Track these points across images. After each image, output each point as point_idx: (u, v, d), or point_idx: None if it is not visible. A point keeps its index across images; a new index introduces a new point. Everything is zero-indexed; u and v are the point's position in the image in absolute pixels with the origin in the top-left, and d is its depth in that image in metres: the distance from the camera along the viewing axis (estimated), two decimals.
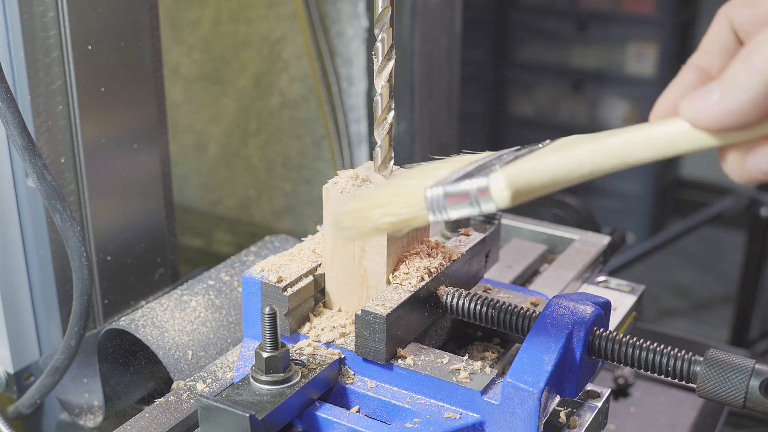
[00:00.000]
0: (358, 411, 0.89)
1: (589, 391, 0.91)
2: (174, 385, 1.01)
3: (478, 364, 0.88)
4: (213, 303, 1.14)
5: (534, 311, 0.90)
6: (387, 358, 0.88)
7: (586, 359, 0.86)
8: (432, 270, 0.94)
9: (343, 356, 0.91)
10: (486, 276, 1.08)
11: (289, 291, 0.92)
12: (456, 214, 0.72)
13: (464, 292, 0.94)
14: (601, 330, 0.86)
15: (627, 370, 1.44)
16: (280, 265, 0.95)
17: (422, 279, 0.92)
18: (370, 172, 0.96)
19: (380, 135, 0.94)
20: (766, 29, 0.59)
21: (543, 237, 1.35)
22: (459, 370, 0.87)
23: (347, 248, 0.93)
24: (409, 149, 1.86)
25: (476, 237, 1.03)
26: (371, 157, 0.96)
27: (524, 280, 1.26)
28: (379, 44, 0.92)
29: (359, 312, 0.87)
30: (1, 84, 0.95)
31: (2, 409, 1.23)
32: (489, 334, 1.01)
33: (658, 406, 1.41)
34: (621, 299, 1.20)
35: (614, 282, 1.26)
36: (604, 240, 1.33)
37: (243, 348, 0.98)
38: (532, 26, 4.13)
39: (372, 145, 0.95)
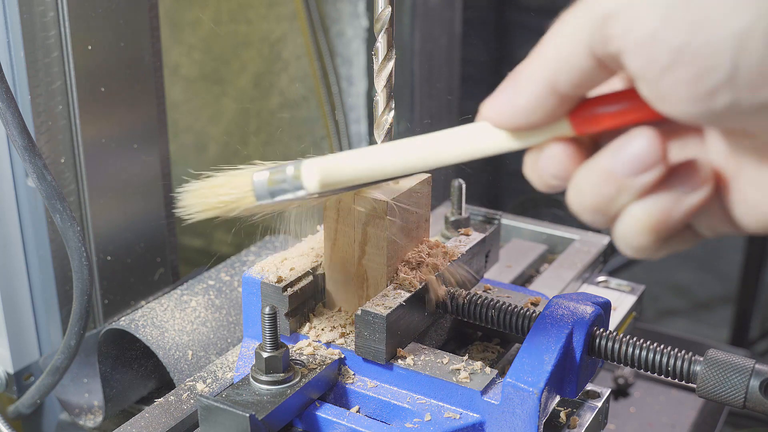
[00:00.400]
0: (358, 411, 0.89)
1: (589, 391, 0.91)
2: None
3: (478, 364, 0.88)
4: (213, 303, 1.14)
5: (534, 311, 0.90)
6: (387, 358, 0.88)
7: (586, 359, 0.86)
8: (432, 270, 0.94)
9: (343, 356, 0.91)
10: (486, 276, 1.08)
11: (289, 291, 0.92)
12: (277, 198, 0.76)
13: (464, 292, 0.94)
14: (601, 330, 0.86)
15: (627, 370, 1.44)
16: (280, 265, 0.95)
17: (422, 279, 0.92)
18: None
19: (380, 135, 0.94)
20: (552, 27, 0.58)
21: (543, 237, 1.35)
22: (459, 370, 0.87)
23: (347, 248, 0.93)
24: None
25: (476, 237, 1.03)
26: None
27: (524, 280, 1.26)
28: (379, 44, 0.92)
29: (359, 312, 0.87)
30: (1, 84, 0.95)
31: (2, 409, 1.23)
32: (489, 334, 1.01)
33: (658, 406, 1.41)
34: (621, 299, 1.20)
35: (614, 282, 1.26)
36: (604, 240, 1.33)
37: (243, 348, 0.98)
38: (532, 26, 4.13)
39: (372, 145, 0.95)
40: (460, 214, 1.12)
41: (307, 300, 0.95)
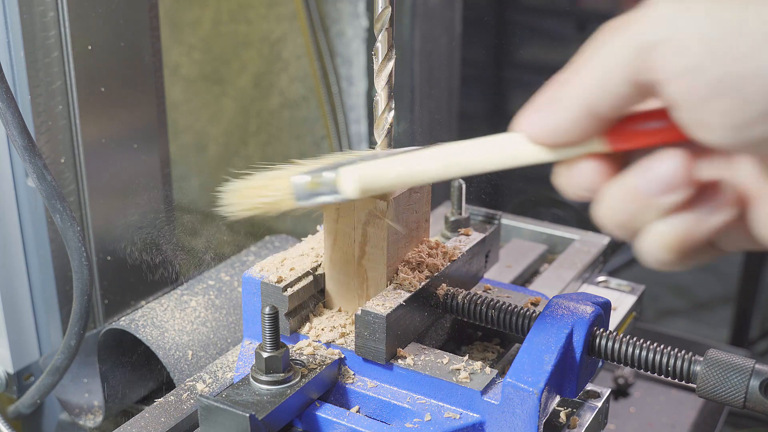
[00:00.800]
0: (358, 411, 0.89)
1: (589, 391, 0.91)
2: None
3: (478, 364, 0.88)
4: (213, 303, 1.14)
5: (534, 311, 0.90)
6: (387, 358, 0.88)
7: (586, 359, 0.86)
8: (432, 270, 0.94)
9: (343, 356, 0.91)
10: (486, 276, 1.08)
11: (289, 291, 0.92)
12: (316, 201, 0.79)
13: (464, 292, 0.94)
14: (601, 330, 0.86)
15: (627, 370, 1.44)
16: (280, 265, 0.95)
17: (422, 279, 0.92)
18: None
19: (380, 135, 0.94)
20: (590, 47, 0.60)
21: (543, 237, 1.35)
22: (459, 370, 0.87)
23: (347, 248, 0.93)
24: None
25: (476, 237, 1.03)
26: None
27: (524, 280, 1.26)
28: (379, 44, 0.92)
29: (359, 312, 0.87)
30: (1, 84, 0.95)
31: (2, 409, 1.23)
32: (489, 334, 1.01)
33: (658, 406, 1.41)
34: (621, 299, 1.20)
35: (614, 282, 1.26)
36: (604, 240, 1.33)
37: (243, 348, 0.98)
38: (532, 26, 4.13)
39: (372, 145, 0.95)
40: (460, 214, 1.12)
41: (307, 300, 0.95)
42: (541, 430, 0.82)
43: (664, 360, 0.83)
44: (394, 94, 0.94)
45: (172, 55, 2.06)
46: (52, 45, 1.13)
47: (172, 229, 1.35)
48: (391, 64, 0.92)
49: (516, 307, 0.91)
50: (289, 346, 0.90)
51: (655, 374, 0.84)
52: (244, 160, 2.07)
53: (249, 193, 0.85)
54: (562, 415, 0.88)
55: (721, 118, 0.54)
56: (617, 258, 2.50)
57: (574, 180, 0.64)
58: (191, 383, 0.98)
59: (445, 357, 0.89)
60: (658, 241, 0.60)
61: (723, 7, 0.54)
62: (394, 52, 0.92)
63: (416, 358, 0.89)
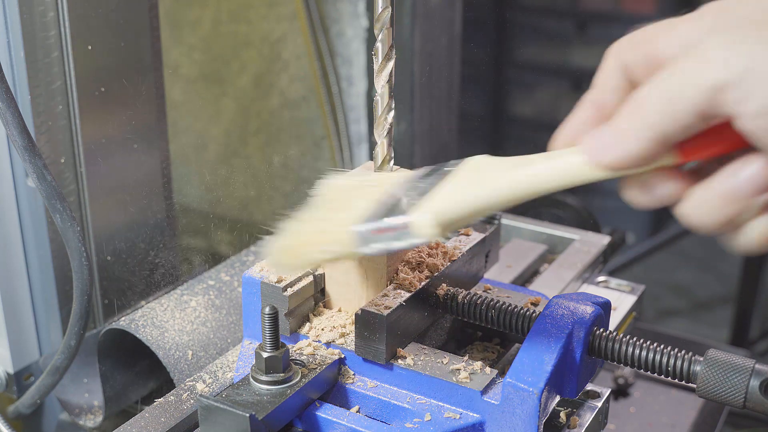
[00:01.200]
0: (358, 411, 0.89)
1: (589, 391, 0.91)
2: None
3: (478, 364, 0.88)
4: (213, 303, 1.14)
5: (534, 311, 0.90)
6: (387, 358, 0.88)
7: (586, 359, 0.86)
8: (432, 270, 0.94)
9: (343, 356, 0.91)
10: (486, 276, 1.08)
11: (289, 291, 0.92)
12: (386, 247, 0.77)
13: (464, 292, 0.94)
14: (601, 330, 0.86)
15: (627, 370, 1.43)
16: None
17: (422, 279, 0.92)
18: (369, 172, 0.96)
19: (380, 135, 0.94)
20: (654, 77, 0.64)
21: (543, 237, 1.35)
22: (459, 370, 0.87)
23: None
24: (409, 149, 1.86)
25: (476, 237, 1.03)
26: (371, 157, 0.96)
27: (524, 280, 1.26)
28: (379, 44, 0.92)
29: (359, 312, 0.87)
30: (1, 84, 0.94)
31: (2, 409, 1.23)
32: (489, 334, 1.01)
33: (658, 406, 1.41)
34: (621, 299, 1.20)
35: (614, 282, 1.26)
36: (604, 240, 1.33)
37: (243, 348, 0.98)
38: (532, 26, 4.13)
39: (372, 145, 0.95)
40: None
41: (307, 300, 0.95)
42: (541, 430, 0.82)
43: (664, 360, 0.83)
44: (394, 94, 0.94)
45: (172, 55, 2.06)
46: (52, 45, 1.13)
47: (172, 229, 1.35)
48: (391, 64, 0.92)
49: (516, 307, 0.91)
50: (289, 346, 0.90)
51: (655, 374, 0.84)
52: (244, 160, 2.07)
53: (301, 250, 0.83)
54: (562, 415, 0.88)
55: None
56: (617, 258, 2.50)
57: (653, 192, 0.69)
58: (191, 383, 0.98)
59: (445, 357, 0.89)
60: (760, 234, 0.66)
61: None
62: (394, 52, 0.92)
63: (416, 358, 0.89)
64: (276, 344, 0.85)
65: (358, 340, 0.88)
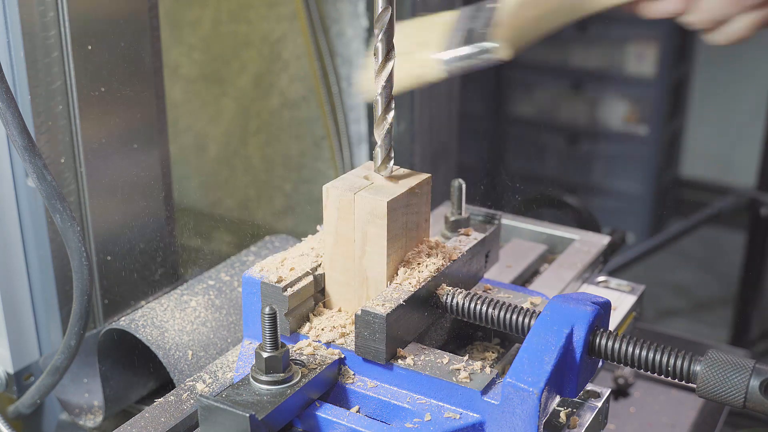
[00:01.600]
0: (358, 411, 0.89)
1: (589, 391, 0.91)
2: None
3: (478, 364, 0.88)
4: (213, 303, 1.14)
5: (534, 311, 0.90)
6: (387, 358, 0.88)
7: (586, 359, 0.86)
8: (432, 270, 0.94)
9: (343, 356, 0.91)
10: (486, 276, 1.08)
11: (289, 291, 0.92)
12: (467, 65, 0.97)
13: (464, 292, 0.94)
14: (601, 330, 0.86)
15: (627, 370, 1.43)
16: (280, 265, 0.95)
17: (422, 279, 0.92)
18: (369, 172, 0.96)
19: (380, 135, 0.94)
20: None
21: (543, 237, 1.35)
22: (459, 370, 0.87)
23: (347, 248, 0.93)
24: (409, 149, 1.86)
25: (476, 237, 1.03)
26: (371, 157, 0.96)
27: (524, 280, 1.26)
28: (379, 44, 0.92)
29: (359, 312, 0.87)
30: (1, 84, 0.94)
31: (2, 409, 1.23)
32: (489, 334, 1.01)
33: (658, 406, 1.41)
34: (621, 299, 1.20)
35: (614, 282, 1.26)
36: (604, 240, 1.33)
37: (243, 348, 0.98)
38: None
39: (372, 145, 0.95)
40: (460, 214, 1.12)
41: (307, 300, 0.95)
42: (541, 430, 0.82)
43: (664, 360, 0.83)
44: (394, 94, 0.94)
45: (172, 55, 2.06)
46: (52, 45, 1.13)
47: (172, 229, 1.35)
48: (391, 64, 0.92)
49: (516, 307, 0.91)
50: (289, 346, 0.90)
51: (655, 374, 0.84)
52: (244, 160, 2.07)
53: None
54: (562, 415, 0.88)
55: None
56: (617, 258, 2.50)
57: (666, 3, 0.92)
58: (191, 383, 0.98)
59: (445, 357, 0.89)
60: (743, 26, 0.92)
61: None
62: (394, 53, 0.92)
63: (416, 358, 0.89)
64: (276, 344, 0.85)
65: (358, 340, 0.88)
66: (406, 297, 0.89)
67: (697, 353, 0.83)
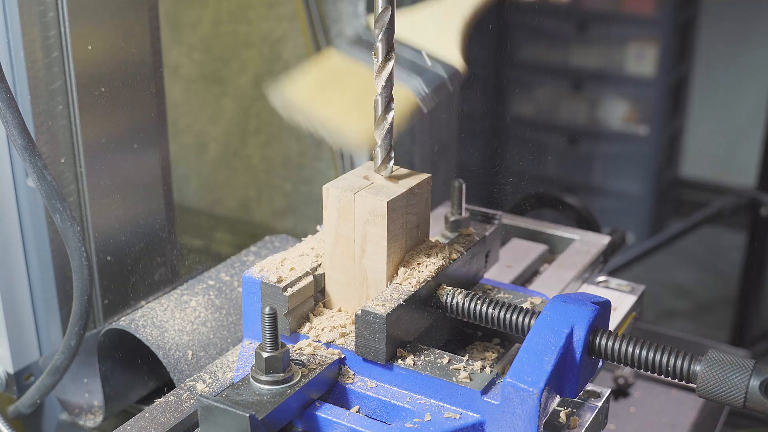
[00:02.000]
0: (358, 411, 0.89)
1: (589, 391, 0.91)
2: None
3: (478, 364, 0.88)
4: (213, 303, 1.14)
5: (534, 311, 0.90)
6: (387, 358, 0.88)
7: (586, 359, 0.86)
8: (432, 270, 0.94)
9: (343, 356, 0.91)
10: (486, 276, 1.08)
11: (289, 291, 0.92)
12: None
13: (464, 292, 0.94)
14: (601, 330, 0.86)
15: (627, 370, 1.44)
16: (280, 265, 0.95)
17: (422, 279, 0.92)
18: (369, 172, 0.96)
19: (380, 135, 0.94)
20: None
21: (543, 237, 1.35)
22: (459, 370, 0.87)
23: (347, 248, 0.93)
24: (409, 149, 1.86)
25: (476, 237, 1.03)
26: (371, 157, 0.96)
27: (524, 280, 1.26)
28: (379, 44, 0.92)
29: (359, 312, 0.87)
30: (1, 84, 0.95)
31: (2, 409, 1.23)
32: (489, 334, 1.01)
33: (658, 406, 1.41)
34: (621, 299, 1.20)
35: (614, 282, 1.26)
36: (604, 240, 1.33)
37: (243, 348, 0.98)
38: (532, 26, 4.13)
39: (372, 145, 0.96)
40: (460, 214, 1.12)
41: (307, 300, 0.95)
42: (541, 430, 0.82)
43: (665, 360, 0.83)
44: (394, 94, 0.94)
45: (172, 55, 2.06)
46: (52, 45, 1.13)
47: (172, 229, 1.35)
48: (391, 64, 0.92)
49: (516, 307, 0.91)
50: (289, 346, 0.90)
51: (655, 374, 0.84)
52: (244, 160, 2.07)
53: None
54: (562, 415, 0.88)
55: None
56: (617, 258, 2.50)
57: None
58: (191, 383, 0.98)
59: (445, 357, 0.89)
60: None
61: None
62: (394, 53, 0.92)
63: (416, 358, 0.89)
64: (276, 344, 0.85)
65: (358, 340, 0.88)
66: (406, 297, 0.89)
67: (697, 353, 0.83)
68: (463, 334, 1.02)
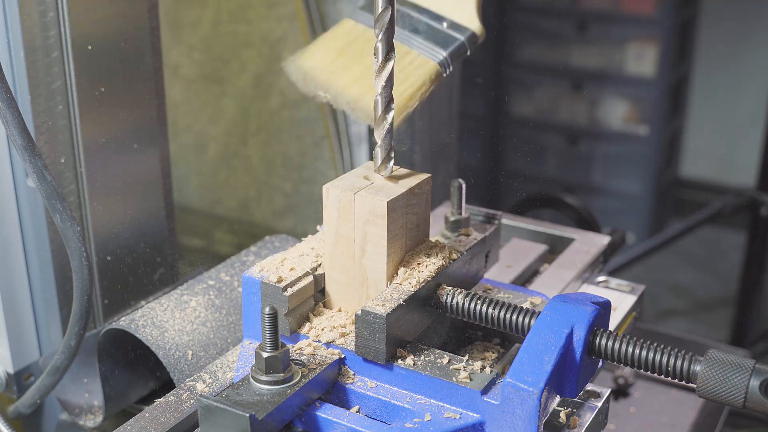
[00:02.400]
0: (358, 411, 0.89)
1: (589, 391, 0.91)
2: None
3: (478, 364, 0.88)
4: (213, 303, 1.14)
5: (534, 311, 0.90)
6: (387, 358, 0.88)
7: (586, 359, 0.86)
8: (432, 270, 0.94)
9: (343, 356, 0.91)
10: (486, 276, 1.08)
11: (289, 291, 0.92)
12: None
13: (464, 292, 0.94)
14: (601, 330, 0.86)
15: (627, 370, 1.44)
16: (280, 265, 0.95)
17: (422, 279, 0.92)
18: (369, 172, 0.96)
19: (380, 135, 0.94)
20: None
21: (543, 237, 1.35)
22: (459, 370, 0.87)
23: (347, 248, 0.93)
24: (409, 149, 1.86)
25: (476, 237, 1.03)
26: (371, 157, 0.96)
27: (524, 280, 1.26)
28: (379, 44, 0.92)
29: (359, 312, 0.87)
30: (1, 84, 0.94)
31: (2, 409, 1.23)
32: (489, 334, 1.01)
33: (658, 406, 1.41)
34: (621, 299, 1.20)
35: (614, 282, 1.26)
36: (604, 240, 1.33)
37: (243, 348, 0.98)
38: (532, 26, 4.13)
39: (372, 145, 0.95)
40: (460, 214, 1.12)
41: (307, 300, 0.95)
42: (541, 430, 0.82)
43: (664, 360, 0.83)
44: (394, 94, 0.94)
45: (172, 55, 2.06)
46: (52, 45, 1.13)
47: (172, 229, 1.35)
48: (391, 64, 0.92)
49: (516, 306, 0.91)
50: (289, 346, 0.90)
51: (655, 374, 0.84)
52: (244, 160, 2.07)
53: None
54: (562, 415, 0.88)
55: None
56: (617, 258, 2.50)
57: None
58: (191, 383, 0.98)
59: (445, 357, 0.89)
60: None
61: None
62: (394, 53, 0.92)
63: (416, 358, 0.89)
64: (276, 344, 0.85)
65: (358, 340, 0.88)
66: (406, 297, 0.89)
67: (697, 353, 0.83)
68: (463, 334, 1.02)
